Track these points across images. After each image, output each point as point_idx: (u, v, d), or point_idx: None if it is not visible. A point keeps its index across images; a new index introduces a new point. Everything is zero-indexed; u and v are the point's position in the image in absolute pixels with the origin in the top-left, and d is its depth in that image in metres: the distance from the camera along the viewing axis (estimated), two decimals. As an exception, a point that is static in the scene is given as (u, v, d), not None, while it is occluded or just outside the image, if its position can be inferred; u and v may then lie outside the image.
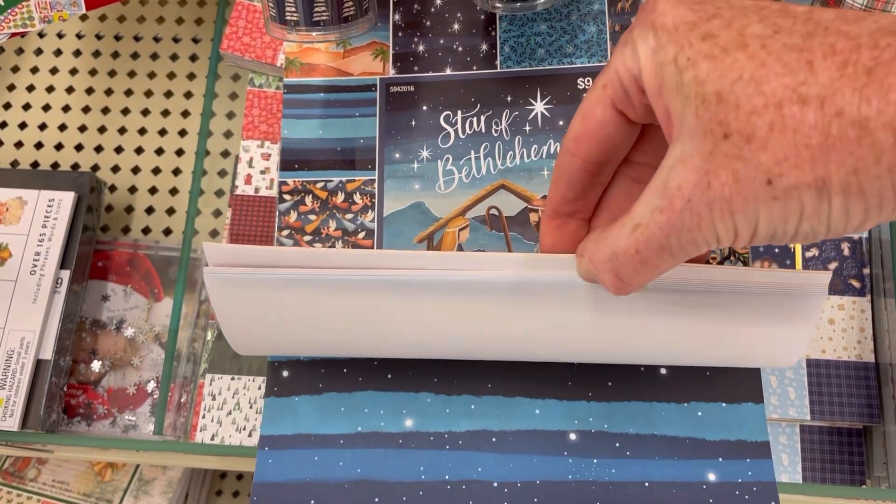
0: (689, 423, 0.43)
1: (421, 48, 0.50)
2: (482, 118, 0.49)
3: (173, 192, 0.64)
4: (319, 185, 0.49)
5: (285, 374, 0.45)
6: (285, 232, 0.48)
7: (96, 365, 0.57)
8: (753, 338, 0.40)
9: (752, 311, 0.38)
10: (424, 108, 0.49)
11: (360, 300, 0.38)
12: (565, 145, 0.34)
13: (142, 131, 0.65)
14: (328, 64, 0.51)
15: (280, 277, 0.37)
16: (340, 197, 0.48)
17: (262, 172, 0.56)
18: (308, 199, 0.48)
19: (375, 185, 0.48)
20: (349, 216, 0.48)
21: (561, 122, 0.48)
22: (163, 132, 0.65)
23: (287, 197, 0.48)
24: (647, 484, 0.42)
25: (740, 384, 0.44)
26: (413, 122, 0.49)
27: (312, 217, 0.48)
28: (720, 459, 0.42)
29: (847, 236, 0.54)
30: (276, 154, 0.56)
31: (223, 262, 0.38)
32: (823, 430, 0.52)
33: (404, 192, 0.48)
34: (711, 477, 0.42)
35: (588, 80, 0.49)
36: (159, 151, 0.65)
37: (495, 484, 0.42)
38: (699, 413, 0.43)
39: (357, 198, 0.48)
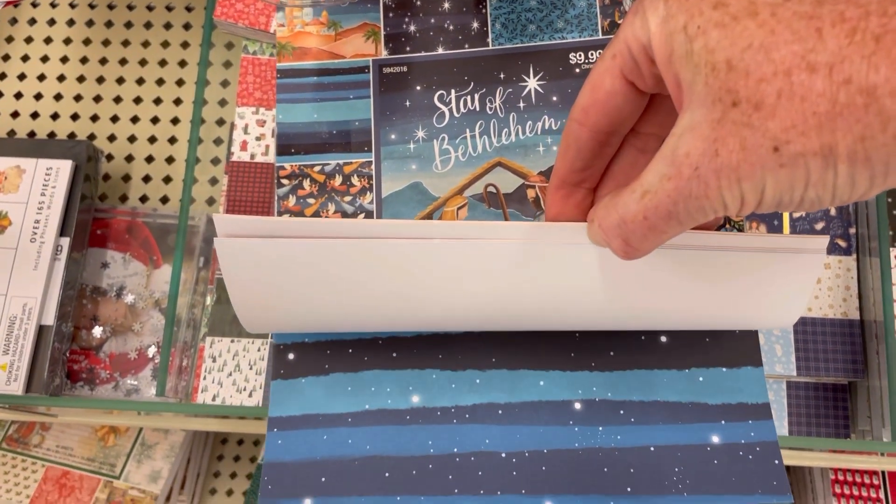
0: (690, 389, 0.44)
1: (412, 28, 0.50)
2: (476, 96, 0.49)
3: (170, 160, 0.64)
4: (317, 168, 0.49)
5: (291, 356, 0.45)
6: (285, 216, 0.48)
7: (97, 331, 0.58)
8: (755, 298, 0.41)
9: (755, 273, 0.39)
10: (418, 88, 0.49)
11: (368, 268, 0.38)
12: (574, 115, 0.34)
13: (137, 100, 0.65)
14: (320, 47, 0.51)
15: (290, 246, 0.37)
16: (338, 180, 0.48)
17: (258, 139, 0.56)
18: (306, 183, 0.48)
19: (373, 166, 0.48)
20: (348, 199, 0.48)
21: (555, 98, 0.48)
22: (158, 101, 0.65)
23: (285, 181, 0.49)
24: (652, 448, 0.43)
25: (739, 349, 0.45)
26: (407, 103, 0.49)
27: (311, 201, 0.48)
28: (722, 422, 0.43)
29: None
30: (270, 120, 0.56)
31: (233, 233, 0.37)
32: (809, 385, 0.53)
33: (401, 172, 0.48)
34: (715, 439, 0.43)
35: (580, 55, 0.49)
36: (155, 120, 0.65)
37: (503, 454, 0.43)
38: (700, 378, 0.44)
39: (355, 180, 0.48)
